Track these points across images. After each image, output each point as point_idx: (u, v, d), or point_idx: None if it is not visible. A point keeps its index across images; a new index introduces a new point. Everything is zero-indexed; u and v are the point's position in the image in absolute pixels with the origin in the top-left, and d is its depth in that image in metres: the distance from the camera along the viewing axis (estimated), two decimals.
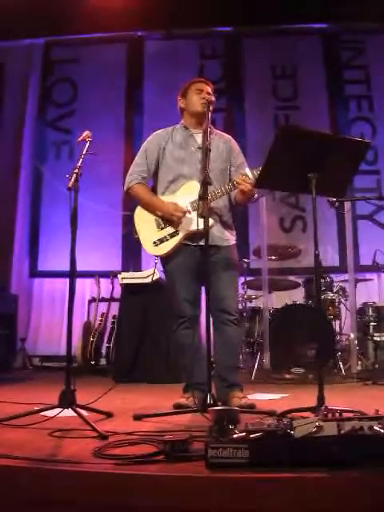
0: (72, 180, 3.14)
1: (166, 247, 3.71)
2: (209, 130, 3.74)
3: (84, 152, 3.35)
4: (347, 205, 6.08)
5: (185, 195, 3.71)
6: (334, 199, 4.32)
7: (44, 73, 9.06)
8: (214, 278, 3.63)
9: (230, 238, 3.83)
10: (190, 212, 3.66)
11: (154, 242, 3.73)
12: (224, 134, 4.07)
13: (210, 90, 3.89)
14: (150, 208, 3.79)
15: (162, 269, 3.92)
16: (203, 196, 3.19)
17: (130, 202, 7.79)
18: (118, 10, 8.01)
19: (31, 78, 8.99)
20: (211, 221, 3.59)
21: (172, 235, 3.70)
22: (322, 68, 8.64)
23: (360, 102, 8.55)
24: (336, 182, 3.32)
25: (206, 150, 3.36)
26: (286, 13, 7.98)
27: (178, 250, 3.70)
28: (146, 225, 3.80)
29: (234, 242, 3.87)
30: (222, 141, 3.95)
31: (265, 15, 8.02)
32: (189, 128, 3.91)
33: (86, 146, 3.38)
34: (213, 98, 3.76)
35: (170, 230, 3.71)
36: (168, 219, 3.70)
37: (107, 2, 8.03)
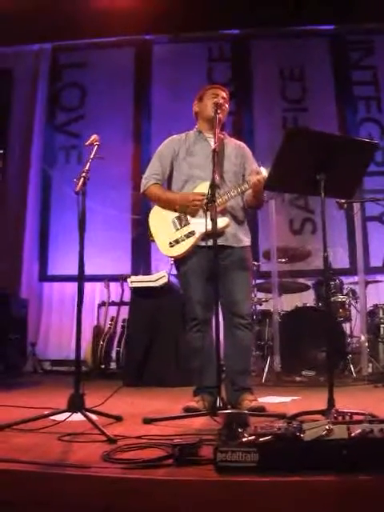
0: (80, 183, 3.14)
1: (182, 248, 3.72)
2: (221, 135, 3.83)
3: (92, 156, 3.35)
4: (356, 206, 6.06)
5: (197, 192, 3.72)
6: (343, 201, 4.31)
7: (52, 78, 9.08)
8: (228, 280, 3.65)
9: (244, 239, 3.83)
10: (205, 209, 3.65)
11: (170, 244, 3.74)
12: (237, 141, 4.10)
13: (225, 95, 3.93)
14: (168, 205, 3.82)
15: (174, 271, 3.92)
16: (211, 199, 3.22)
17: (140, 206, 7.84)
18: (126, 14, 8.03)
19: (39, 82, 9.01)
20: (226, 220, 3.67)
21: (188, 236, 3.71)
22: (330, 69, 8.62)
23: (369, 103, 8.52)
24: (345, 183, 3.31)
25: (214, 153, 3.37)
26: (293, 15, 7.97)
27: (193, 251, 3.71)
28: (161, 227, 3.82)
29: (249, 244, 3.87)
30: (235, 147, 3.99)
31: (272, 17, 8.00)
32: (203, 132, 3.95)
33: (94, 150, 3.38)
34: (221, 101, 3.79)
35: (185, 230, 3.72)
36: (190, 210, 3.70)
37: (114, 7, 8.05)
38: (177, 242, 3.73)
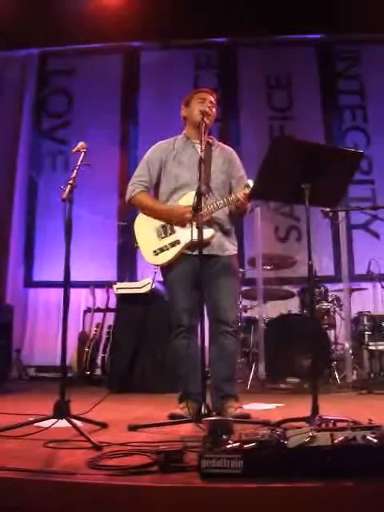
0: (66, 191, 3.15)
1: (167, 256, 3.71)
2: (210, 141, 3.83)
3: (79, 163, 3.35)
4: (341, 214, 6.09)
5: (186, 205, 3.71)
6: (328, 209, 4.33)
7: (39, 83, 9.05)
8: (214, 288, 3.65)
9: (230, 247, 3.82)
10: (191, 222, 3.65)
11: (155, 252, 3.73)
12: (226, 146, 4.09)
13: (212, 99, 3.91)
14: (155, 214, 3.80)
15: (160, 279, 3.92)
16: (197, 207, 3.21)
17: (126, 212, 7.82)
18: (114, 20, 8.02)
19: (26, 88, 8.99)
20: (212, 231, 3.66)
21: (173, 244, 3.70)
22: (317, 78, 8.67)
23: (354, 111, 8.58)
24: (330, 192, 3.33)
25: (200, 161, 3.37)
26: (281, 23, 8.01)
27: (178, 259, 3.71)
28: (146, 234, 3.80)
29: (235, 252, 3.87)
30: (223, 153, 3.98)
31: (259, 26, 8.04)
32: (190, 138, 3.93)
33: (81, 157, 3.39)
34: (207, 109, 3.76)
35: (170, 239, 3.72)
36: (179, 221, 3.70)
37: (102, 13, 8.04)
38: (161, 250, 3.72)
